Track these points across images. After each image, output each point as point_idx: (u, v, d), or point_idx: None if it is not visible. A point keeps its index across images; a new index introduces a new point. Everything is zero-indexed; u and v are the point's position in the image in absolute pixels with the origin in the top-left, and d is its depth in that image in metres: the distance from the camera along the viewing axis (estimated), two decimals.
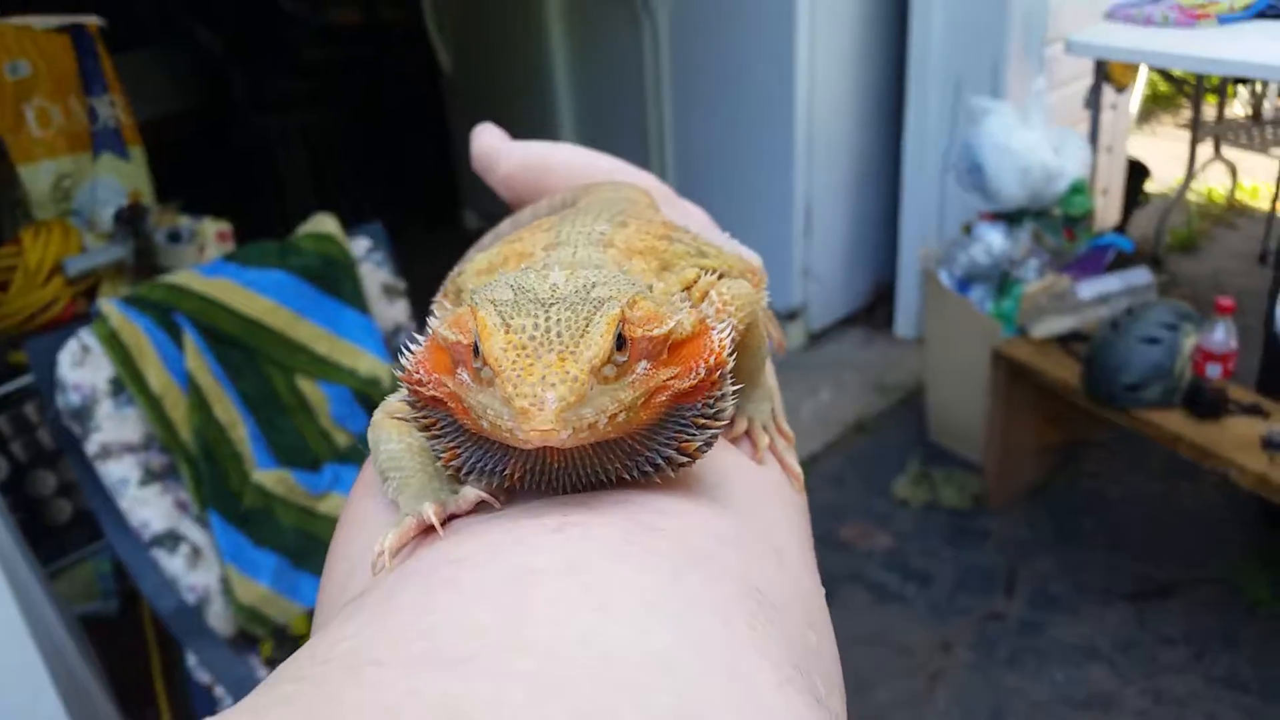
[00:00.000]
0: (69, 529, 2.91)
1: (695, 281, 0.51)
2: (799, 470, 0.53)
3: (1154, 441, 2.91)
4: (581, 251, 0.49)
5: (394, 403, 0.50)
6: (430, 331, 0.45)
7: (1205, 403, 2.75)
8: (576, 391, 0.39)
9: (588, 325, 0.40)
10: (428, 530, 0.43)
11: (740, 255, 0.62)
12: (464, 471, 0.44)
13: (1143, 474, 3.54)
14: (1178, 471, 3.48)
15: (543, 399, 0.39)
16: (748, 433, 0.53)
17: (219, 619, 2.33)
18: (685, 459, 0.43)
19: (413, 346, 0.45)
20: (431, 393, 0.44)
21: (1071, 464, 3.60)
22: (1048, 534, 3.33)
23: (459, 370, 0.42)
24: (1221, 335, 2.73)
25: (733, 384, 0.45)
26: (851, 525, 3.39)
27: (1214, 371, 2.75)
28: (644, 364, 0.42)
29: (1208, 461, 2.72)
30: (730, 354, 0.44)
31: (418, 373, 0.44)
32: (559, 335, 0.40)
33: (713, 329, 0.44)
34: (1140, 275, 3.19)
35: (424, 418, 0.45)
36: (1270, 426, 2.67)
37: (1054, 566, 3.20)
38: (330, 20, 5.98)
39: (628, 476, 0.43)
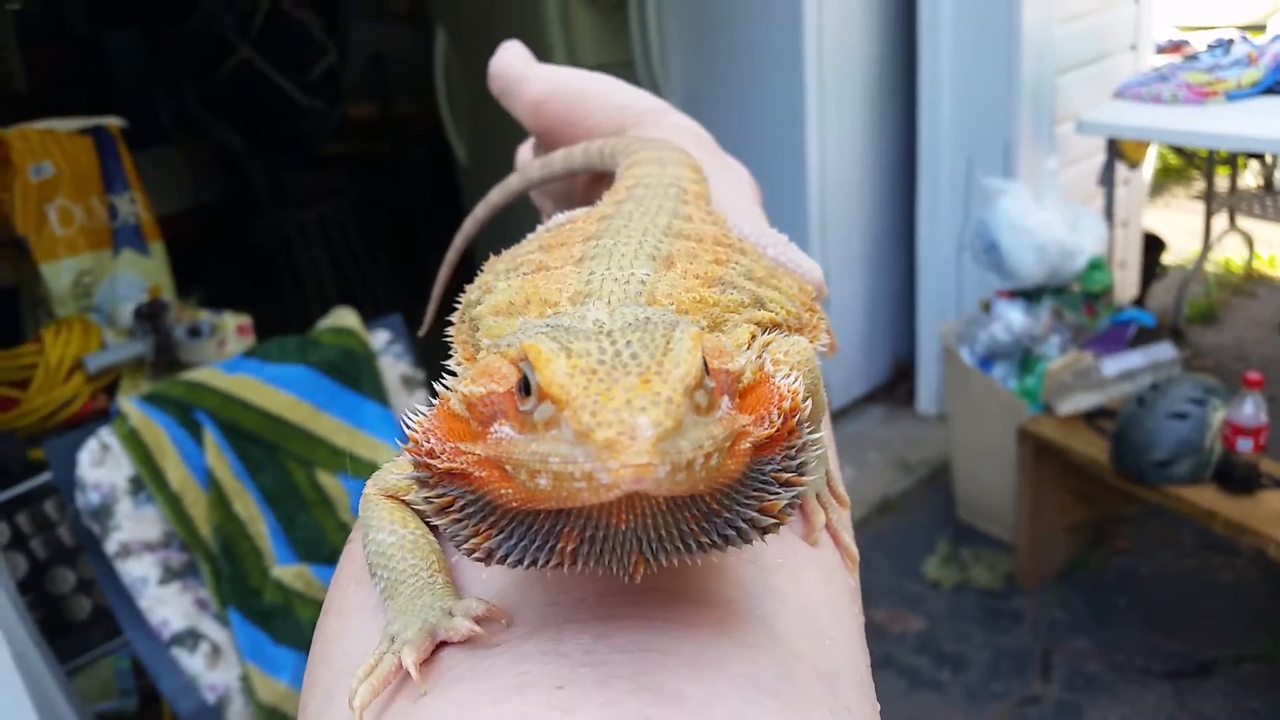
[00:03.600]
0: (88, 626, 2.87)
1: (749, 346, 0.45)
2: (855, 551, 0.48)
3: (1184, 517, 2.85)
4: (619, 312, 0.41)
5: (389, 476, 0.45)
6: (440, 397, 0.38)
7: (1238, 477, 2.71)
8: (673, 415, 0.32)
9: (668, 343, 0.34)
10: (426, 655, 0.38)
11: (795, 267, 0.57)
12: (499, 559, 0.37)
13: (1174, 550, 3.46)
14: (1210, 546, 3.41)
15: (633, 425, 0.31)
16: (800, 506, 0.47)
17: (239, 718, 2.28)
18: (770, 521, 0.37)
19: (417, 415, 0.38)
20: (448, 465, 0.36)
21: (1102, 541, 3.53)
22: (1081, 613, 3.25)
23: (494, 428, 0.35)
24: (1251, 409, 2.69)
25: (810, 431, 0.38)
26: (882, 608, 3.32)
27: (1245, 446, 2.70)
28: (727, 400, 0.35)
29: (1244, 537, 2.66)
30: (804, 399, 0.38)
31: (428, 442, 0.37)
32: (634, 356, 0.33)
33: (773, 376, 0.38)
34: (1164, 350, 3.17)
35: (438, 497, 0.37)
36: None
37: (1089, 646, 3.12)
38: (348, 115, 6.10)
39: (706, 541, 0.36)
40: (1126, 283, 4.64)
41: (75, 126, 3.52)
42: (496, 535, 0.36)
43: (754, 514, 0.36)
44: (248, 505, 2.43)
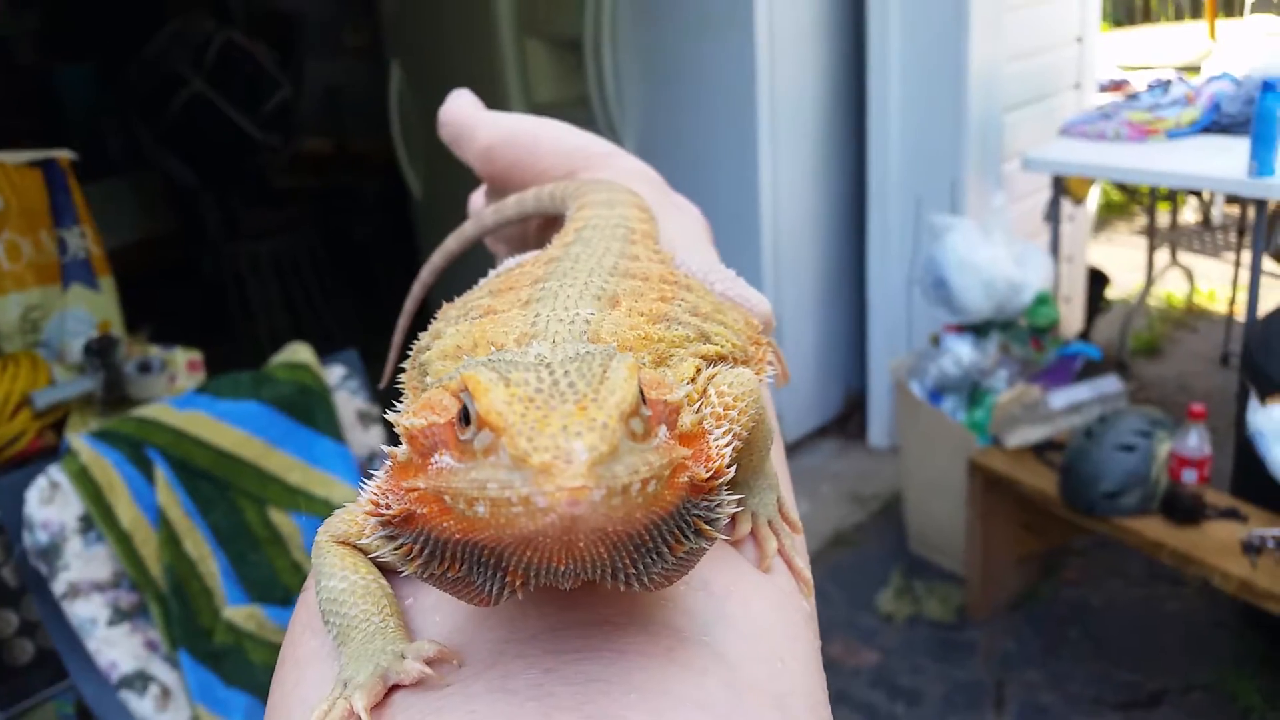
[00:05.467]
0: (30, 670, 2.81)
1: (694, 379, 0.45)
2: (808, 576, 0.48)
3: (1131, 548, 2.90)
4: (560, 348, 0.41)
5: (338, 522, 0.45)
6: (389, 454, 0.38)
7: (1183, 508, 2.76)
8: (609, 440, 0.32)
9: (605, 372, 0.35)
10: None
11: (746, 305, 0.58)
12: (463, 586, 0.37)
13: (1123, 580, 3.52)
14: (1158, 576, 3.47)
15: (569, 449, 0.32)
16: (752, 532, 0.48)
17: None
18: (673, 570, 0.37)
19: (375, 475, 0.38)
20: (398, 508, 0.36)
21: (1052, 572, 3.58)
22: (1033, 645, 3.29)
23: (435, 459, 0.35)
24: (1195, 441, 2.75)
25: (729, 494, 0.39)
26: (836, 642, 3.33)
27: (1190, 477, 2.77)
28: (664, 429, 0.36)
29: (1189, 568, 2.71)
30: (730, 464, 0.38)
31: (384, 499, 0.37)
32: (571, 385, 0.34)
33: (709, 434, 0.39)
34: (1110, 384, 3.23)
35: (399, 547, 0.37)
36: (1249, 530, 2.68)
37: (1042, 678, 3.16)
38: (302, 149, 6.08)
39: (634, 573, 0.36)
40: (1072, 317, 4.73)
41: (24, 159, 3.47)
42: (458, 570, 0.36)
43: (665, 551, 0.36)
44: (199, 544, 2.40)
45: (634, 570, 0.36)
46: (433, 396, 0.36)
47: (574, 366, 0.35)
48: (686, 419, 0.38)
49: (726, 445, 0.39)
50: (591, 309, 0.46)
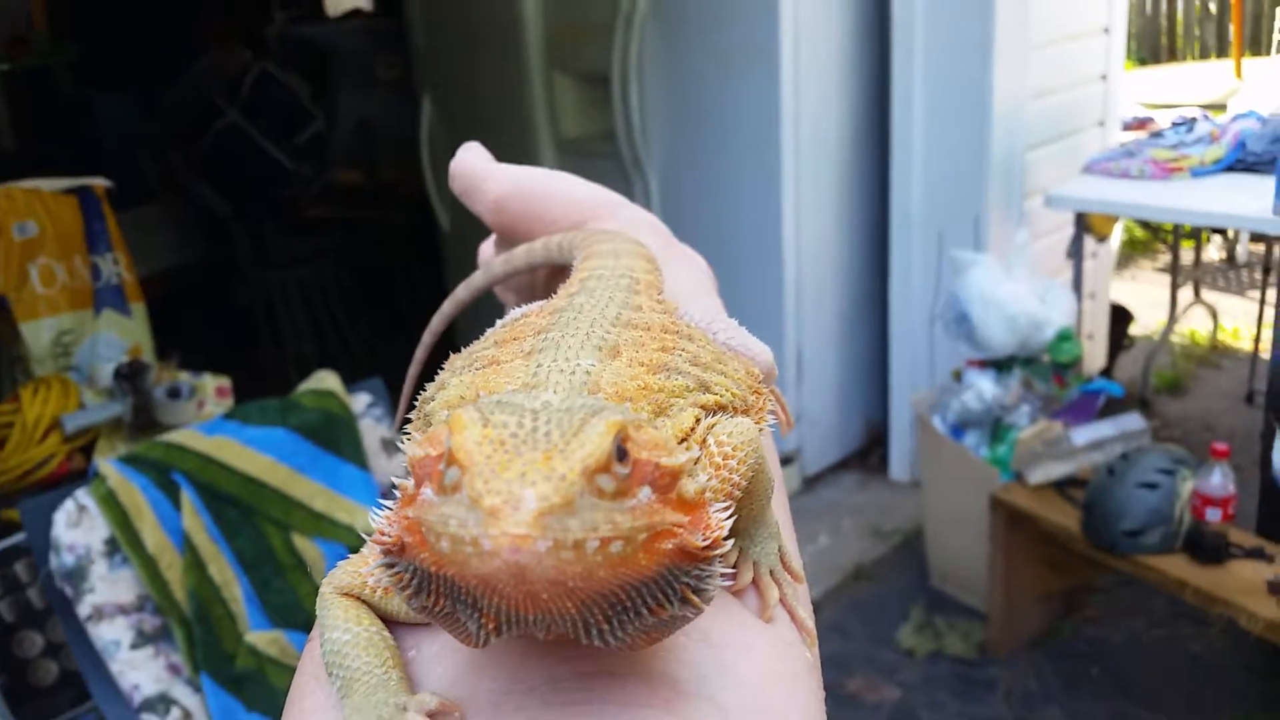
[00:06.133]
0: (54, 691, 2.83)
1: (693, 429, 0.45)
2: (811, 626, 0.48)
3: (1154, 586, 2.88)
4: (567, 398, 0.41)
5: (343, 575, 0.46)
6: (400, 485, 0.39)
7: (1207, 547, 2.74)
8: (563, 493, 0.32)
9: (583, 426, 0.35)
10: None
11: (747, 355, 0.59)
12: (450, 623, 0.38)
13: (1145, 619, 3.49)
14: (1181, 616, 3.44)
15: (519, 496, 0.32)
16: (754, 582, 0.48)
17: None
18: (654, 631, 0.38)
19: (386, 505, 0.39)
20: (395, 534, 0.37)
21: (1074, 610, 3.55)
22: (1054, 683, 3.26)
23: (422, 491, 0.36)
24: (1219, 479, 2.74)
25: (722, 569, 0.39)
26: (857, 677, 3.32)
27: (1214, 515, 2.75)
28: (647, 491, 0.36)
29: (1214, 608, 2.69)
30: (727, 538, 0.39)
31: (387, 527, 0.38)
32: (547, 435, 0.34)
33: (710, 506, 0.39)
34: (1133, 421, 3.22)
35: (395, 574, 0.38)
36: (1275, 570, 2.66)
37: (1062, 716, 3.13)
38: (334, 181, 6.16)
39: (606, 629, 0.36)
40: (1094, 354, 4.72)
41: (60, 186, 3.55)
42: (445, 605, 0.37)
43: (646, 613, 0.36)
44: (223, 569, 2.43)
45: (607, 628, 0.36)
46: (436, 430, 0.38)
47: (557, 416, 0.35)
48: (690, 486, 0.38)
49: (727, 517, 0.39)
50: (592, 359, 0.46)
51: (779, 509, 0.53)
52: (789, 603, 0.48)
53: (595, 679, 0.40)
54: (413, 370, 0.82)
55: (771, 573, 0.49)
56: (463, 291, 0.86)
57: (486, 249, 0.88)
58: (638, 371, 0.47)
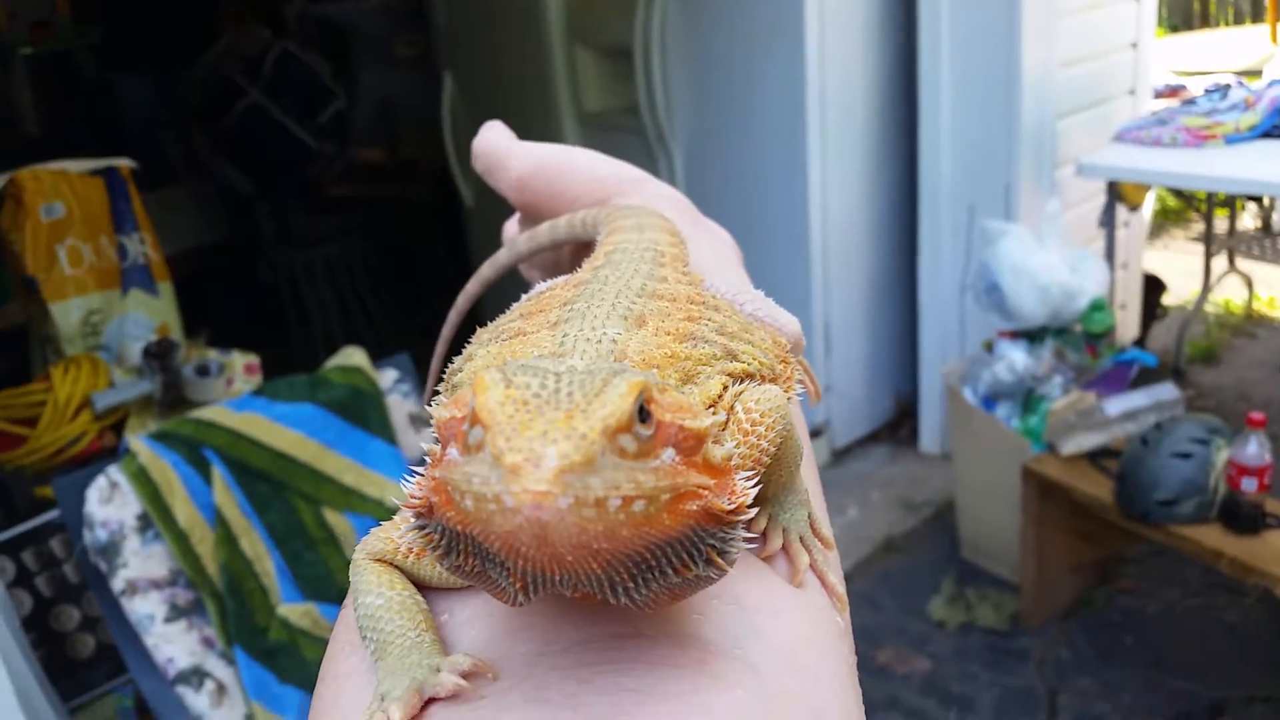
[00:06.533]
0: (91, 664, 2.87)
1: (721, 396, 0.46)
2: (842, 591, 0.48)
3: (1189, 556, 2.85)
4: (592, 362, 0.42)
5: (375, 541, 0.46)
6: (430, 450, 0.39)
7: (1243, 517, 2.71)
8: (584, 451, 0.33)
9: (605, 386, 0.35)
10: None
11: (774, 325, 0.58)
12: (483, 580, 0.38)
13: (1180, 589, 3.46)
14: (1216, 586, 3.40)
15: (541, 454, 0.32)
16: (784, 548, 0.48)
17: None
18: (678, 590, 0.38)
19: (418, 472, 0.40)
20: (424, 494, 0.38)
21: (1107, 580, 3.53)
22: (1087, 653, 3.24)
23: (448, 452, 0.36)
24: (1255, 449, 2.70)
25: (746, 534, 0.39)
26: (888, 648, 3.31)
27: (1249, 485, 2.71)
28: (671, 453, 0.36)
29: (1250, 577, 2.66)
30: (753, 505, 0.39)
31: (417, 489, 0.38)
32: (569, 395, 0.34)
33: (736, 474, 0.39)
34: (1167, 391, 3.18)
35: (424, 535, 0.38)
36: None
37: (1096, 687, 3.11)
38: (356, 158, 6.16)
39: (633, 587, 0.36)
40: (1127, 324, 4.66)
41: (87, 168, 3.56)
42: (475, 564, 0.37)
43: (671, 572, 0.37)
44: (254, 543, 2.44)
45: (633, 586, 0.36)
46: (463, 393, 0.38)
47: (580, 378, 0.35)
48: (717, 451, 0.38)
49: (754, 484, 0.39)
50: (619, 328, 0.46)
51: (808, 477, 0.53)
52: (819, 568, 0.48)
53: (628, 640, 0.40)
54: (440, 349, 0.82)
55: (801, 539, 0.49)
56: (488, 270, 0.86)
57: (511, 227, 0.88)
58: (664, 340, 0.47)
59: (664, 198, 0.73)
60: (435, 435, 0.39)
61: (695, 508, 0.36)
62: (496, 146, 0.75)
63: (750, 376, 0.49)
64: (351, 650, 0.45)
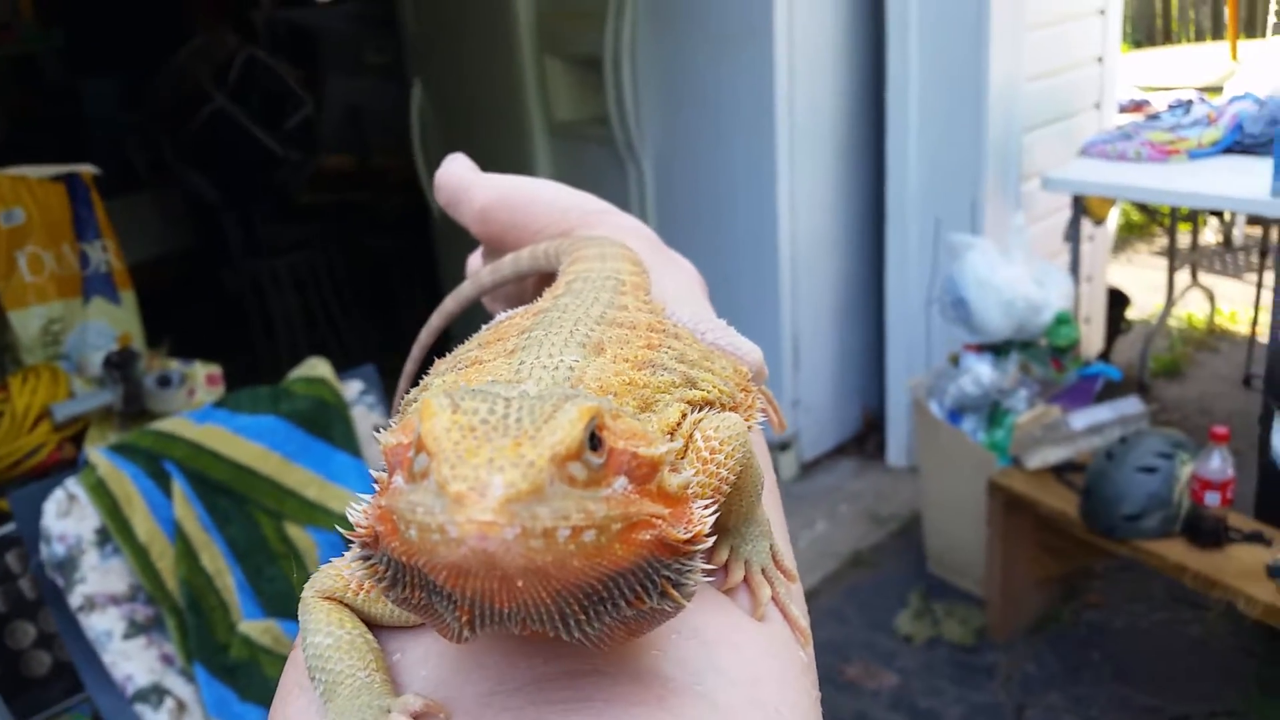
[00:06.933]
0: (47, 682, 2.81)
1: (679, 424, 0.45)
2: (805, 625, 0.47)
3: (1153, 570, 2.87)
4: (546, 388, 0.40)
5: (325, 579, 0.45)
6: (377, 476, 0.38)
7: (1206, 531, 2.73)
8: (531, 479, 0.32)
9: (555, 412, 0.34)
10: None
11: (736, 354, 0.58)
12: (428, 615, 0.37)
13: (1145, 603, 3.48)
14: (1180, 600, 3.43)
15: (486, 482, 0.31)
16: (745, 580, 0.47)
17: None
18: (633, 624, 0.37)
19: (365, 499, 0.38)
20: (369, 524, 0.36)
21: (1073, 595, 3.54)
22: (1054, 668, 3.25)
23: (394, 479, 0.35)
24: (1218, 463, 2.72)
25: (704, 567, 0.38)
26: (855, 663, 3.30)
27: (1213, 499, 2.73)
28: (624, 481, 0.35)
29: (1214, 591, 2.68)
30: (710, 534, 0.38)
31: (363, 517, 0.37)
32: (518, 421, 0.33)
33: (693, 502, 0.38)
34: (1132, 405, 3.20)
35: (372, 566, 0.37)
36: (1274, 554, 2.64)
37: (1063, 701, 3.12)
38: (324, 166, 6.11)
39: (584, 620, 0.35)
40: (1091, 338, 4.70)
41: (48, 173, 3.51)
42: (421, 596, 0.36)
43: (624, 605, 0.36)
44: (215, 558, 2.40)
45: (584, 619, 0.35)
46: (410, 418, 0.37)
47: (530, 404, 0.34)
48: (673, 480, 0.37)
49: (711, 513, 0.38)
50: (576, 355, 0.46)
51: (770, 507, 0.53)
52: (781, 601, 0.47)
53: (584, 677, 0.39)
54: (403, 384, 0.81)
55: (763, 571, 0.48)
56: (451, 303, 0.85)
57: (474, 261, 0.87)
58: (622, 368, 0.46)
59: (628, 229, 0.73)
60: (384, 462, 0.37)
61: (648, 537, 0.35)
62: (459, 178, 0.74)
63: (710, 404, 0.49)
64: (300, 691, 0.43)
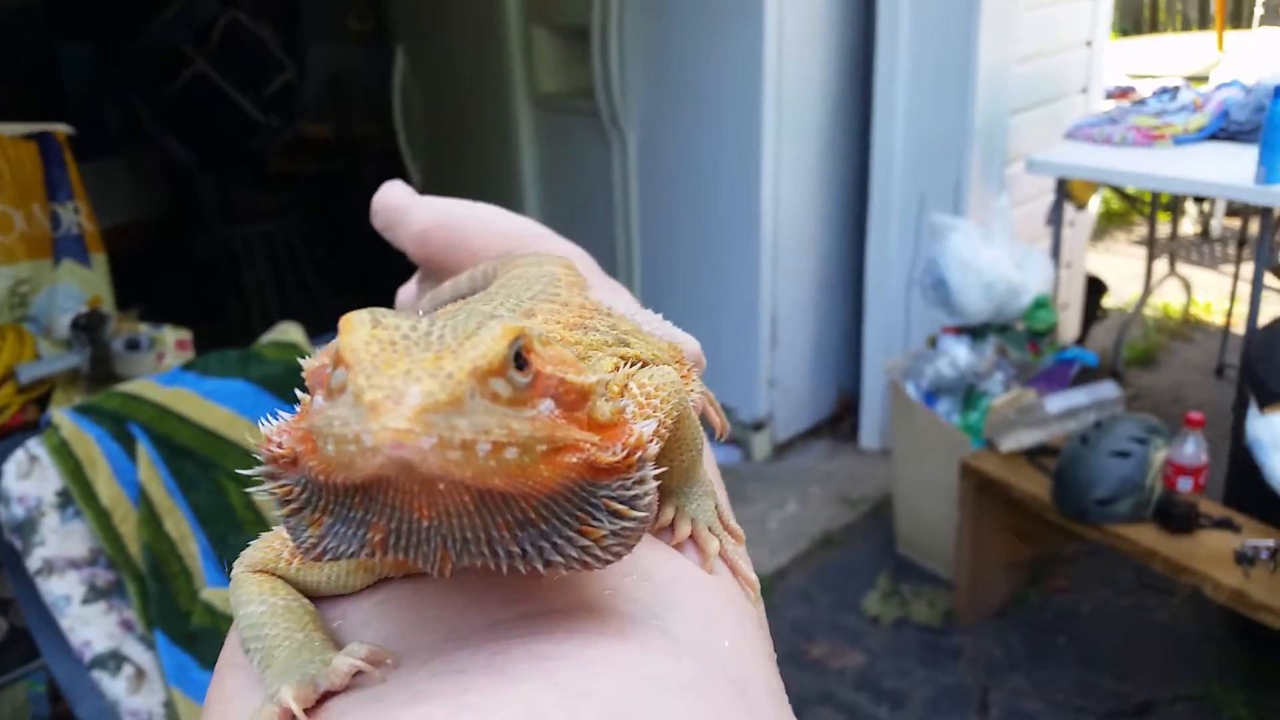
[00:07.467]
0: (3, 648, 2.78)
1: (613, 374, 0.43)
2: (754, 578, 0.46)
3: (1122, 555, 2.88)
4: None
5: (255, 553, 0.43)
6: (301, 399, 0.37)
7: (1177, 517, 2.73)
8: (450, 390, 0.31)
9: (478, 329, 0.33)
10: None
11: (671, 339, 0.57)
12: (327, 550, 0.36)
13: (1112, 589, 3.50)
14: (1146, 586, 3.45)
15: (402, 391, 0.31)
16: (692, 537, 0.46)
17: None
18: (593, 547, 0.36)
19: (280, 414, 0.37)
20: (281, 443, 0.35)
21: (1041, 579, 3.56)
22: (1020, 651, 3.26)
23: (314, 399, 0.34)
24: (1192, 449, 2.73)
25: (656, 475, 0.37)
26: (821, 643, 3.30)
27: (1185, 485, 2.74)
28: (550, 404, 0.34)
29: (1182, 576, 2.69)
30: (651, 441, 0.37)
31: (278, 437, 0.36)
32: (440, 338, 0.33)
33: (630, 422, 0.38)
34: (1107, 389, 3.20)
35: (280, 488, 0.36)
36: (1243, 540, 2.65)
37: (1027, 685, 3.13)
38: (302, 133, 6.04)
39: (517, 551, 0.34)
40: (1068, 324, 4.71)
41: (20, 131, 3.45)
42: (325, 522, 0.35)
43: (573, 534, 0.35)
44: (179, 523, 2.37)
45: (519, 550, 0.34)
46: (333, 343, 0.35)
47: (454, 323, 0.34)
48: (605, 407, 0.36)
49: (648, 428, 0.37)
50: (508, 315, 0.43)
51: (712, 475, 0.52)
52: (729, 556, 0.46)
53: (539, 618, 0.37)
54: None
55: (710, 529, 0.47)
56: None
57: (404, 293, 0.85)
58: (554, 328, 0.46)
59: (567, 252, 0.72)
60: (307, 387, 0.36)
61: (575, 460, 0.34)
62: (398, 200, 0.73)
63: (643, 363, 0.48)
64: (234, 670, 0.41)
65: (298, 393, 0.37)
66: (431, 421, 0.30)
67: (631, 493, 0.36)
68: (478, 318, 0.34)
